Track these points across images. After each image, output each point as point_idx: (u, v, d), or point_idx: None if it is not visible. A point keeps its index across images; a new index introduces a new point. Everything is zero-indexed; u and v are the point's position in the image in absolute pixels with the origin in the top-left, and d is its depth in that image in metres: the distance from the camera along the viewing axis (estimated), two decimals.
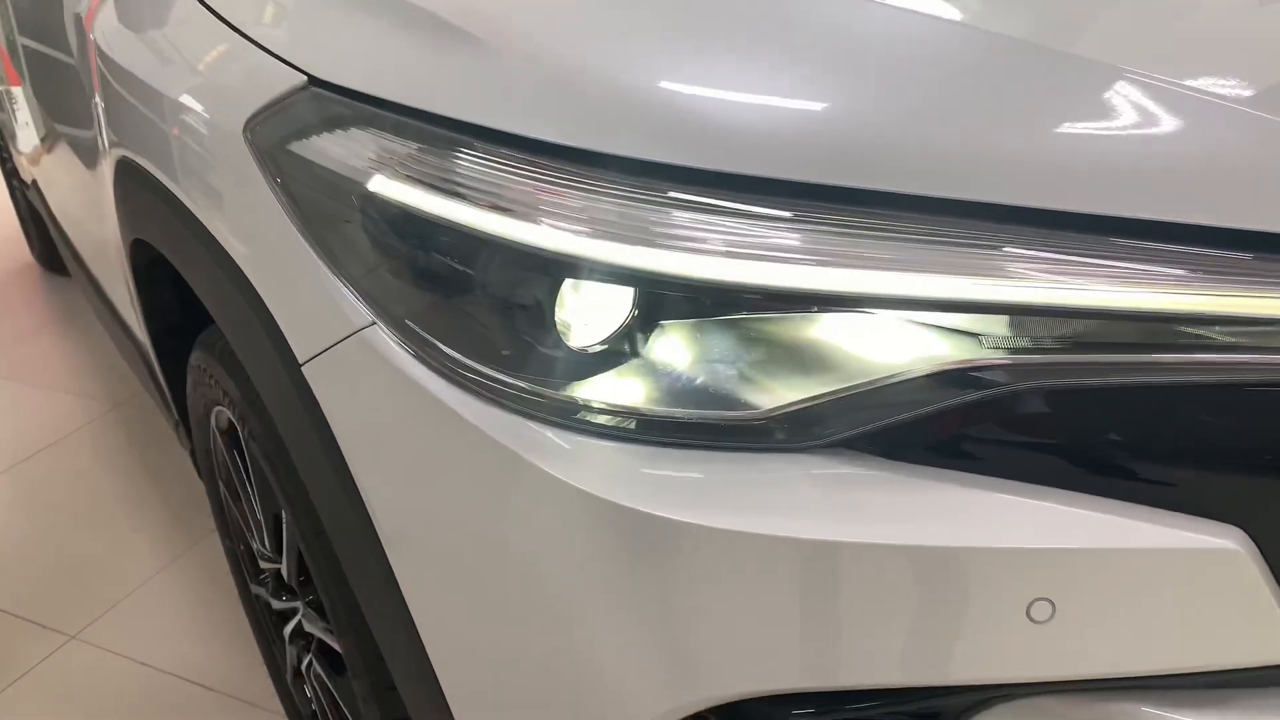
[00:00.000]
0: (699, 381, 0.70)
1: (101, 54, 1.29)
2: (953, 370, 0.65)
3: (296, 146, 0.85)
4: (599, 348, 0.71)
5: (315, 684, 1.39)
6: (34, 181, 2.74)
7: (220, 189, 0.97)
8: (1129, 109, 0.65)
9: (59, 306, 3.34)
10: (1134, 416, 0.65)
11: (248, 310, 0.94)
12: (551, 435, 0.72)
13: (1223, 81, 0.66)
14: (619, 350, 0.71)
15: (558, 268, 0.70)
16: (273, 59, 0.90)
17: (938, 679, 0.68)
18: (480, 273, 0.74)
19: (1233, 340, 0.64)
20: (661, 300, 0.69)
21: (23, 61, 2.12)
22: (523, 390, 0.73)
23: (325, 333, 0.84)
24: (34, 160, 2.51)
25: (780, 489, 0.67)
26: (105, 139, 1.35)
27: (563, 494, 0.69)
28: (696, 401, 0.70)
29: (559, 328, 0.72)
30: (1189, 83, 0.66)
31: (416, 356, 0.77)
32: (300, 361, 0.88)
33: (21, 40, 2.07)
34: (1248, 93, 0.66)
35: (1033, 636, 0.66)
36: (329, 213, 0.82)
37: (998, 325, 0.65)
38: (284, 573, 1.31)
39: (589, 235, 0.68)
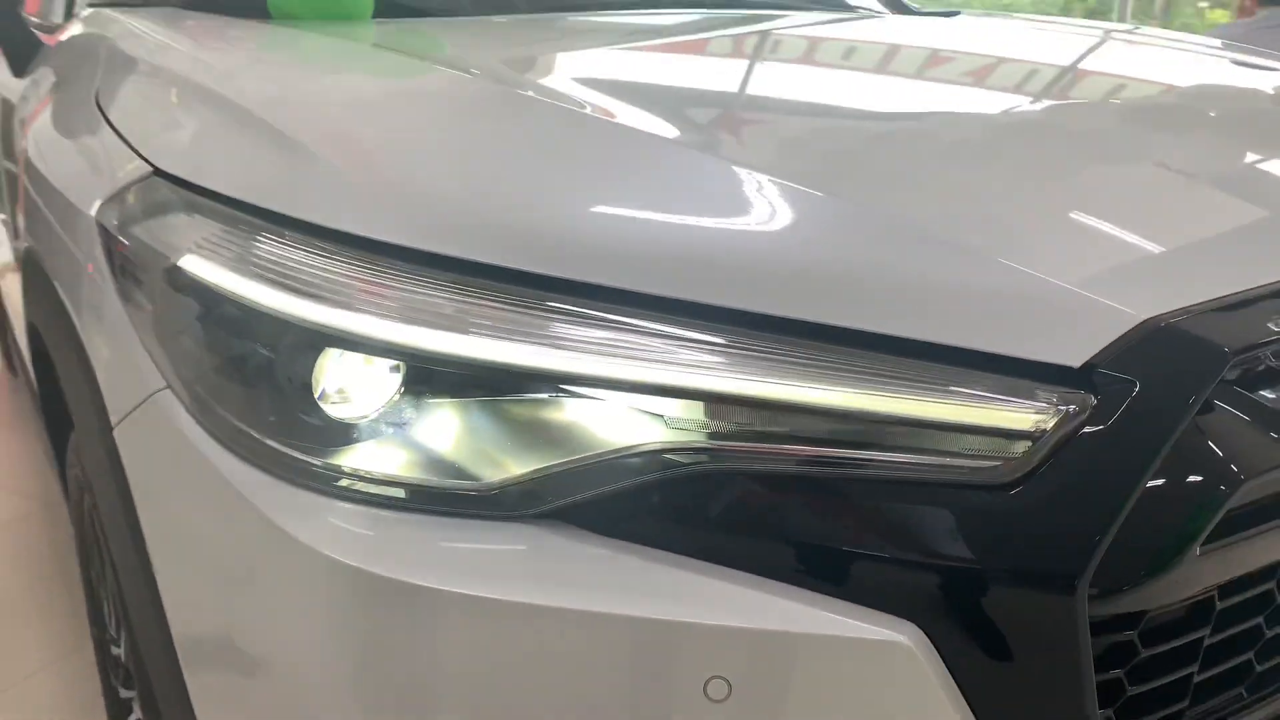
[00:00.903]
0: (437, 453, 0.75)
1: (26, 160, 1.40)
2: (646, 452, 0.70)
3: (131, 226, 0.93)
4: (349, 418, 0.77)
5: None
6: None
7: (73, 269, 1.05)
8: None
9: (11, 405, 3.41)
10: (812, 507, 0.70)
11: (82, 380, 1.00)
12: (296, 496, 0.76)
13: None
14: (367, 422, 0.77)
15: (318, 339, 0.76)
16: (130, 151, 0.99)
17: None
18: (252, 343, 0.80)
19: (906, 442, 0.70)
20: (409, 376, 0.76)
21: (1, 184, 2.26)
22: (279, 454, 0.78)
23: (130, 396, 0.90)
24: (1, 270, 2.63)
25: (487, 554, 0.72)
26: (20, 234, 1.44)
27: (291, 549, 0.74)
28: (434, 472, 0.75)
29: (315, 397, 0.78)
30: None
31: (195, 419, 0.83)
32: (112, 425, 0.93)
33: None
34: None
35: (712, 716, 0.69)
36: (141, 285, 0.89)
37: (690, 412, 0.71)
38: (123, 655, 1.32)
39: (349, 311, 0.75)
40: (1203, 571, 0.73)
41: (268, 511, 0.76)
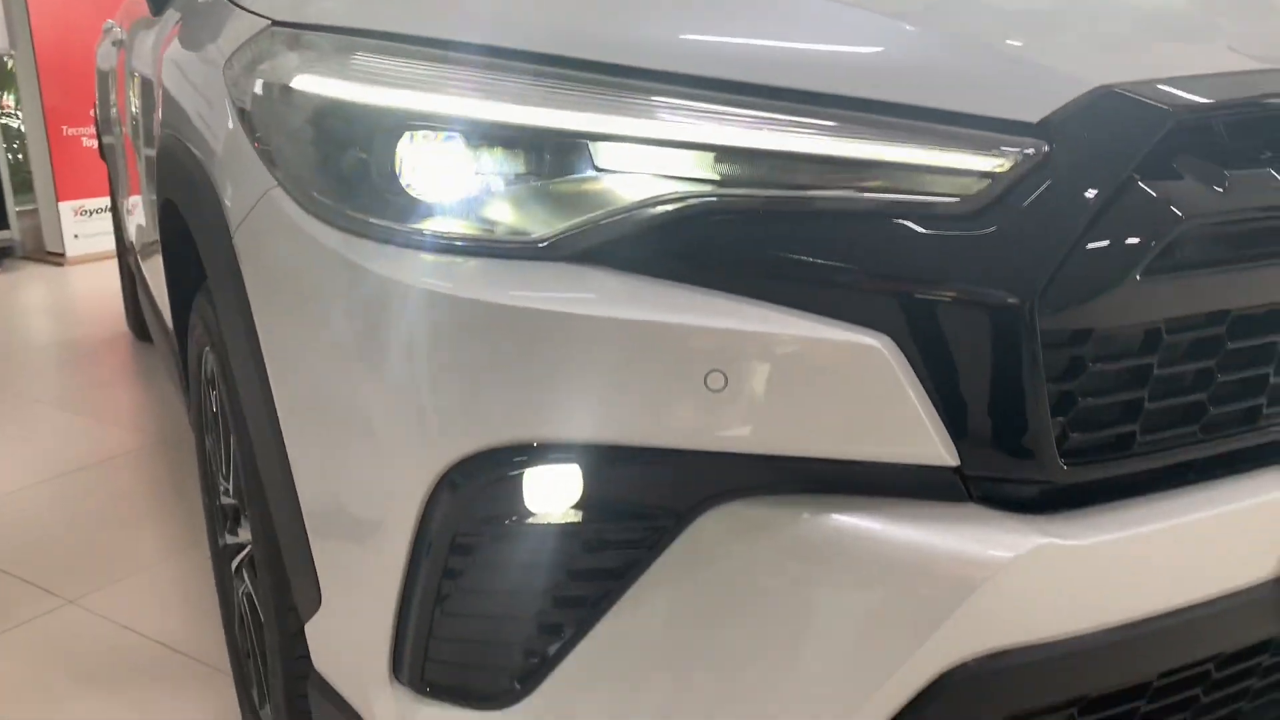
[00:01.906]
0: (496, 218, 0.91)
1: (165, 64, 1.63)
2: (659, 199, 0.85)
3: (255, 69, 1.12)
4: (429, 191, 0.93)
5: (245, 603, 1.55)
6: (135, 251, 3.16)
7: (205, 117, 1.25)
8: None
9: (138, 365, 3.73)
10: (803, 239, 0.83)
11: (210, 205, 1.19)
12: (390, 251, 0.92)
13: None
14: (443, 194, 0.93)
15: (399, 122, 0.93)
16: (253, 16, 1.18)
17: (636, 439, 0.84)
18: (350, 134, 0.97)
19: (887, 182, 0.83)
20: (471, 154, 0.91)
21: (141, 168, 2.52)
22: (372, 225, 0.94)
23: (246, 200, 1.08)
24: (135, 232, 2.91)
25: (534, 282, 0.87)
26: (156, 134, 1.66)
27: (384, 285, 0.90)
28: (496, 230, 0.91)
29: (400, 175, 0.94)
30: None
31: (302, 206, 1.00)
32: (231, 230, 1.12)
33: (139, 134, 2.49)
34: None
35: (710, 404, 0.82)
36: (261, 110, 1.08)
37: (696, 163, 0.85)
38: (232, 496, 1.51)
39: (420, 92, 0.92)
40: (1147, 301, 0.84)
41: (362, 261, 0.92)
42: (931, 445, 0.82)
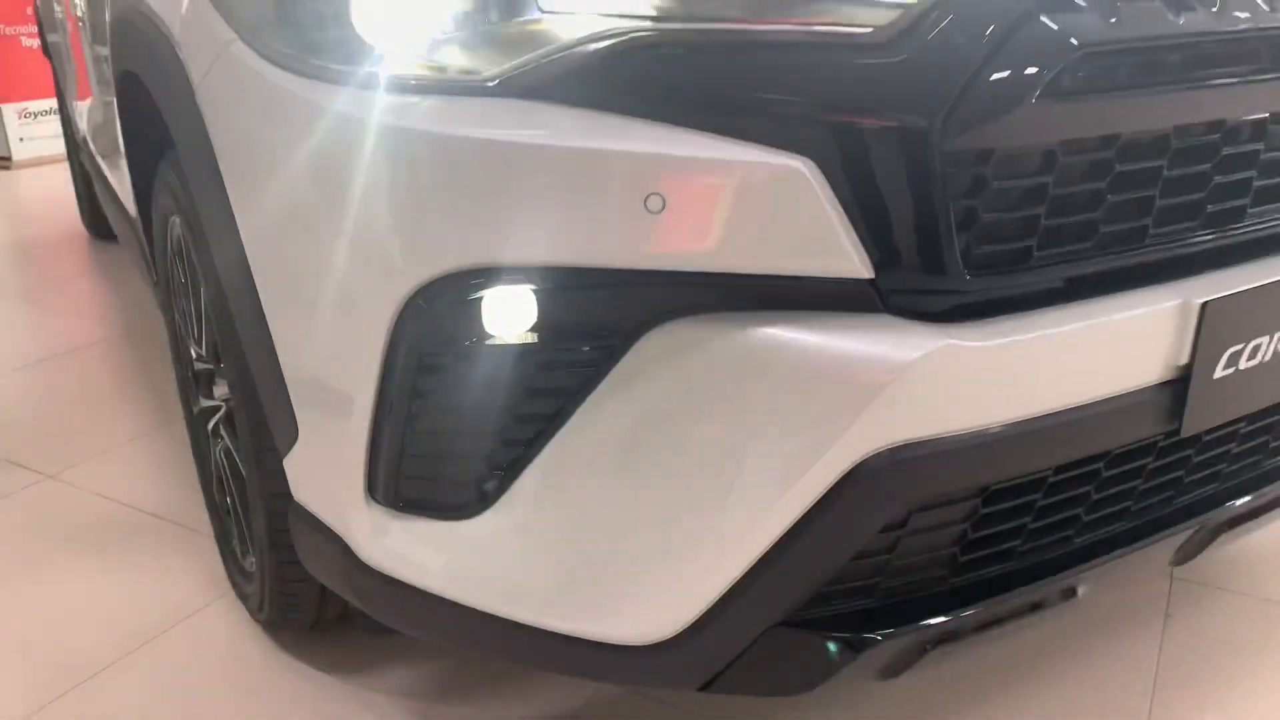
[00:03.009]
0: (449, 61, 0.97)
1: None
2: (597, 37, 0.91)
3: None
4: (383, 36, 0.99)
5: (224, 459, 1.64)
6: (84, 139, 3.15)
7: None
8: None
9: (98, 261, 3.74)
10: (730, 69, 0.90)
11: (171, 65, 1.24)
12: (346, 92, 0.99)
13: None
14: (396, 38, 0.98)
15: None
16: None
17: (583, 260, 0.92)
18: None
19: (797, 15, 0.90)
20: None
21: (89, 57, 2.50)
22: (326, 68, 1.00)
23: (207, 56, 1.13)
24: (90, 131, 2.90)
25: (485, 117, 0.93)
26: (108, 6, 1.68)
27: (344, 123, 0.97)
28: (450, 69, 0.97)
29: (354, 21, 0.99)
30: None
31: (260, 54, 1.05)
32: (194, 86, 1.17)
33: (90, 39, 2.46)
34: None
35: (650, 225, 0.90)
36: None
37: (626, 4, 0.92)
38: (205, 355, 1.58)
39: None
40: (1043, 124, 0.92)
41: (321, 101, 0.99)
42: (849, 260, 0.91)
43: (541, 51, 0.94)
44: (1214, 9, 0.97)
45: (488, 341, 0.99)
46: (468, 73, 0.96)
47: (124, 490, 2.10)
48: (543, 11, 0.94)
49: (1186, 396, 1.05)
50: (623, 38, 0.91)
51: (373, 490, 1.11)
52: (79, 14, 2.58)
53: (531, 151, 0.91)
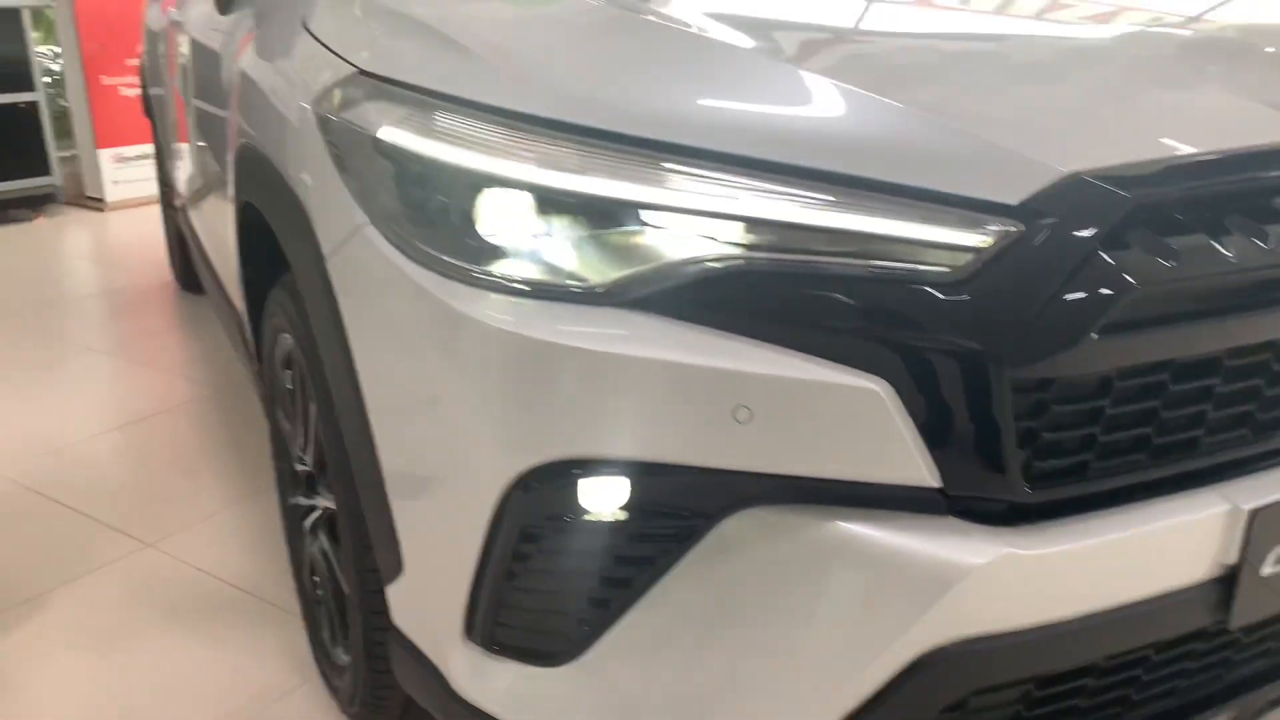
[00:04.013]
0: (559, 264, 1.08)
1: (243, 76, 1.78)
2: (698, 260, 1.02)
3: (341, 112, 1.28)
4: (502, 240, 1.10)
5: (320, 557, 1.76)
6: (184, 209, 3.34)
7: (292, 149, 1.42)
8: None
9: (186, 315, 3.93)
10: (816, 297, 1.00)
11: (300, 226, 1.37)
12: (466, 290, 1.10)
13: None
14: (514, 243, 1.10)
15: (478, 181, 1.10)
16: (337, 58, 1.35)
17: (673, 458, 1.02)
18: (433, 186, 1.14)
19: (887, 252, 1.00)
20: (540, 209, 1.08)
21: (193, 115, 2.68)
22: (451, 265, 1.12)
23: (340, 234, 1.25)
24: (188, 192, 3.08)
25: (590, 324, 1.04)
26: (233, 136, 1.83)
27: (465, 322, 1.08)
28: (557, 275, 1.08)
29: (477, 225, 1.11)
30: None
31: (391, 243, 1.17)
32: (325, 257, 1.29)
33: (193, 99, 2.64)
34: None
35: (737, 433, 1.00)
36: (350, 153, 1.24)
37: (727, 231, 1.02)
38: (307, 461, 1.70)
39: (500, 159, 1.08)
40: (1102, 355, 1.01)
41: (444, 298, 1.10)
42: (918, 470, 1.01)
43: (643, 267, 1.04)
44: (1265, 245, 1.05)
45: (584, 517, 1.09)
46: (574, 279, 1.07)
47: (216, 562, 2.24)
48: (645, 227, 1.05)
49: (1235, 592, 1.12)
50: (717, 261, 1.02)
51: (470, 631, 1.22)
52: (184, 71, 2.76)
53: (632, 362, 1.01)
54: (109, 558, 2.27)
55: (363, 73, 1.29)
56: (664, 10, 1.35)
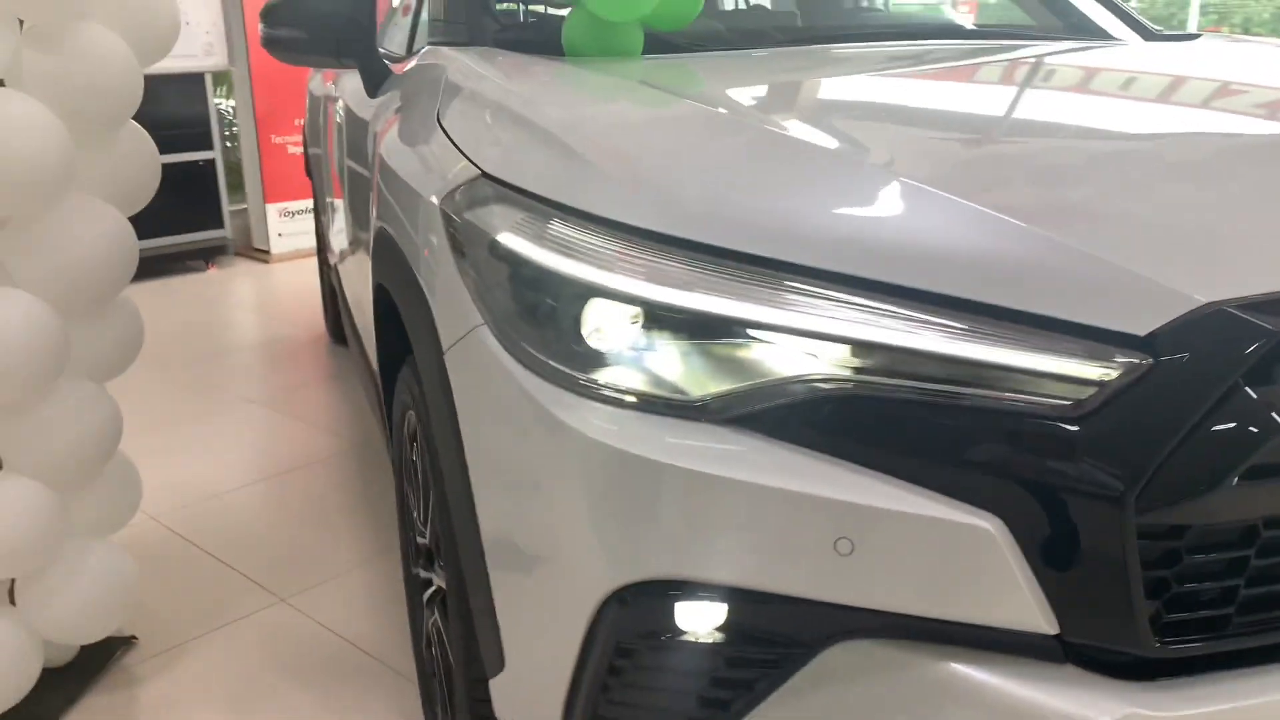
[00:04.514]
0: (663, 375, 1.07)
1: (381, 160, 1.87)
2: (805, 380, 0.99)
3: (463, 212, 1.32)
4: (605, 349, 1.10)
5: (434, 633, 1.79)
6: (335, 266, 3.51)
7: (418, 241, 1.46)
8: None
9: (335, 367, 4.11)
10: (928, 427, 0.96)
11: (422, 320, 1.41)
12: (567, 396, 1.11)
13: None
14: (616, 352, 1.10)
15: (586, 291, 1.10)
16: (464, 158, 1.39)
17: (771, 587, 0.99)
18: (544, 293, 1.15)
19: (1009, 384, 0.95)
20: (646, 322, 1.08)
21: (345, 178, 2.83)
22: (556, 370, 1.12)
23: (458, 329, 1.28)
24: (338, 250, 3.25)
25: (689, 441, 1.03)
26: (373, 216, 1.91)
27: (562, 431, 1.08)
28: (660, 387, 1.07)
29: (583, 333, 1.12)
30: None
31: (502, 345, 1.19)
32: (444, 350, 1.33)
33: (345, 162, 2.78)
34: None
35: (838, 565, 0.96)
36: (470, 252, 1.27)
37: (839, 353, 0.99)
38: (426, 536, 1.74)
39: (609, 272, 1.09)
40: (1243, 501, 0.93)
41: (548, 405, 1.11)
42: (1033, 615, 0.94)
43: (745, 385, 1.02)
44: None
45: (679, 637, 1.07)
46: (676, 392, 1.06)
47: (344, 622, 2.31)
48: (749, 344, 1.03)
49: None
50: (824, 384, 0.99)
51: None
52: (337, 134, 2.92)
53: (730, 485, 0.99)
54: (246, 610, 2.37)
55: (486, 175, 1.32)
56: (782, 121, 1.34)
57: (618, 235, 1.11)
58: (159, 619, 2.34)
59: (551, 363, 1.13)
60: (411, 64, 2.13)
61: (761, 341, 1.03)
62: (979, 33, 2.43)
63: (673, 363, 1.07)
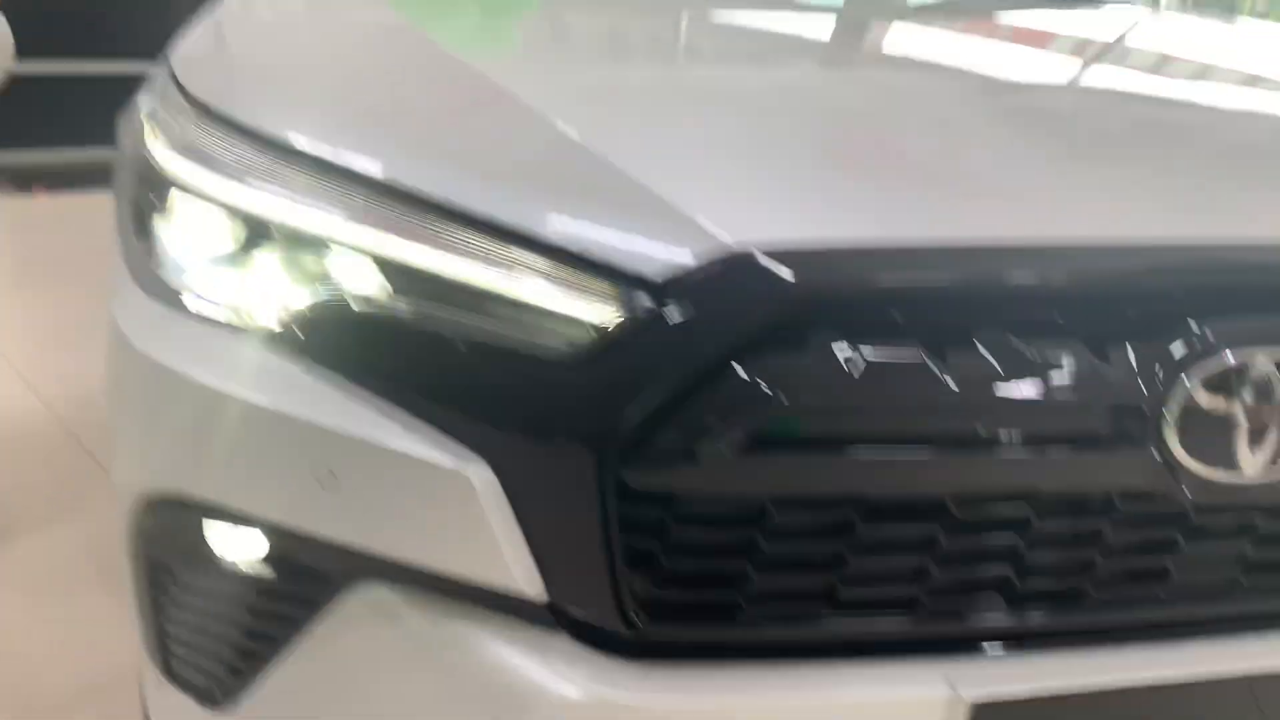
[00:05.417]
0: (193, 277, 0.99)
1: None
2: (314, 290, 0.90)
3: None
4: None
5: None
6: None
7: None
8: None
9: None
10: (426, 353, 0.86)
11: None
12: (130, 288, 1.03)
13: None
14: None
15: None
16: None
17: (273, 516, 0.91)
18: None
19: (501, 316, 0.84)
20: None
21: None
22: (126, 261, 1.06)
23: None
24: None
25: (205, 347, 0.94)
26: None
27: (113, 327, 1.02)
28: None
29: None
30: None
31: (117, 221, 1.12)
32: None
33: None
34: None
35: (324, 499, 0.88)
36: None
37: (340, 260, 0.90)
38: None
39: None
40: (745, 476, 0.81)
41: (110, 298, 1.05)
42: (514, 577, 0.84)
43: (258, 294, 0.94)
44: (1000, 372, 0.81)
45: (206, 559, 0.99)
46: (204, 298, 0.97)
47: None
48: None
49: None
50: (333, 300, 0.89)
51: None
52: None
53: (213, 396, 0.91)
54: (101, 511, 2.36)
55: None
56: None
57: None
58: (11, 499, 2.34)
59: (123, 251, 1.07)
60: None
61: (268, 239, 0.93)
62: None
63: (202, 265, 0.98)
